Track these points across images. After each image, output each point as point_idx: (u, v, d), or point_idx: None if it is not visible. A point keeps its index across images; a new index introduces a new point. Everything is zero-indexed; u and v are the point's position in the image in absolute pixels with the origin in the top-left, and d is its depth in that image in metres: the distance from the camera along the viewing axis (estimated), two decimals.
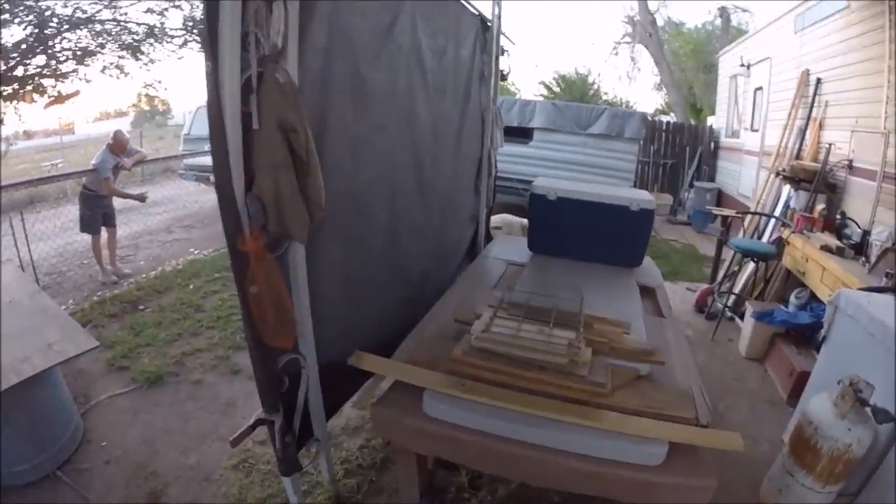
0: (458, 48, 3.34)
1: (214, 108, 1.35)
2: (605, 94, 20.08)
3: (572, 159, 7.82)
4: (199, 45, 5.93)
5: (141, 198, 6.05)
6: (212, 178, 6.04)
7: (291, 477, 2.05)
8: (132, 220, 8.06)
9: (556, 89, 19.39)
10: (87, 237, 5.93)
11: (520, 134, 7.82)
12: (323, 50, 1.80)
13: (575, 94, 18.61)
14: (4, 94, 5.22)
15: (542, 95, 19.14)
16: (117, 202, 6.11)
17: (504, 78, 4.37)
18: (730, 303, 4.91)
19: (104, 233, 5.92)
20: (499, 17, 3.92)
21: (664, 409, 1.84)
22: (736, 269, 5.14)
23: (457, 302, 2.74)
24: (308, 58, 1.67)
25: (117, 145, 5.75)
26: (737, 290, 5.04)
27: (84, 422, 3.27)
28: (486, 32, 3.84)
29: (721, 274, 5.28)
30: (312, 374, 1.83)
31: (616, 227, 3.40)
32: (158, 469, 2.88)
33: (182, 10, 5.80)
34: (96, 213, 5.74)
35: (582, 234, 3.48)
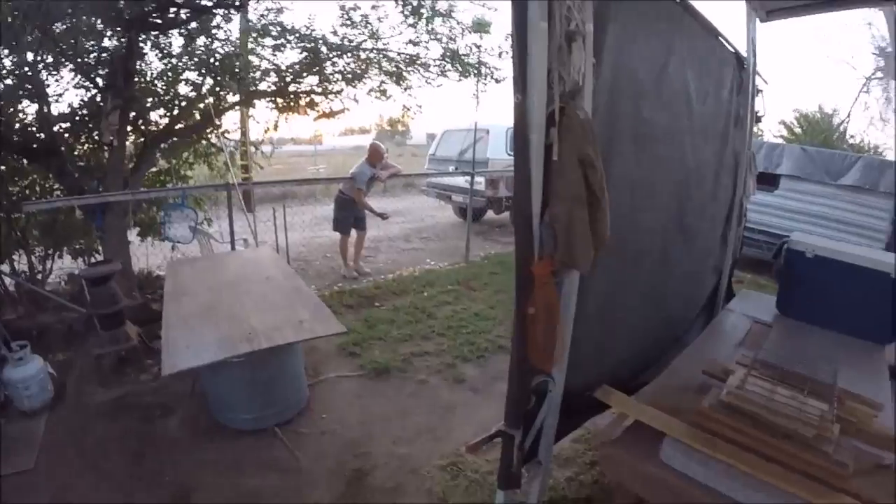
0: (719, 88, 3.20)
1: (521, 137, 1.47)
2: (852, 137, 17.42)
3: (819, 213, 6.97)
4: (458, 75, 6.45)
5: (383, 216, 6.67)
6: (453, 196, 6.56)
7: (507, 491, 2.10)
8: (373, 226, 8.96)
9: (798, 130, 17.31)
10: (334, 234, 6.79)
11: (764, 181, 7.19)
12: (608, 88, 1.86)
13: (818, 136, 16.43)
14: (280, 105, 6.19)
15: (780, 136, 17.26)
16: None
17: (759, 120, 4.07)
18: None
19: (354, 233, 6.69)
20: (755, 55, 3.67)
21: None
22: None
23: (703, 354, 2.64)
24: (597, 95, 1.74)
25: (373, 156, 6.44)
26: None
27: (310, 392, 3.71)
28: (741, 71, 3.61)
29: None
30: (556, 398, 1.87)
31: (873, 295, 2.97)
32: (370, 450, 3.14)
33: (441, 42, 6.39)
34: (349, 216, 6.55)
35: (835, 300, 3.09)
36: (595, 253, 1.51)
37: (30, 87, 4.66)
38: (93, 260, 5.25)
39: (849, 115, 17.02)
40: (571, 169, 1.43)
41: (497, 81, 6.80)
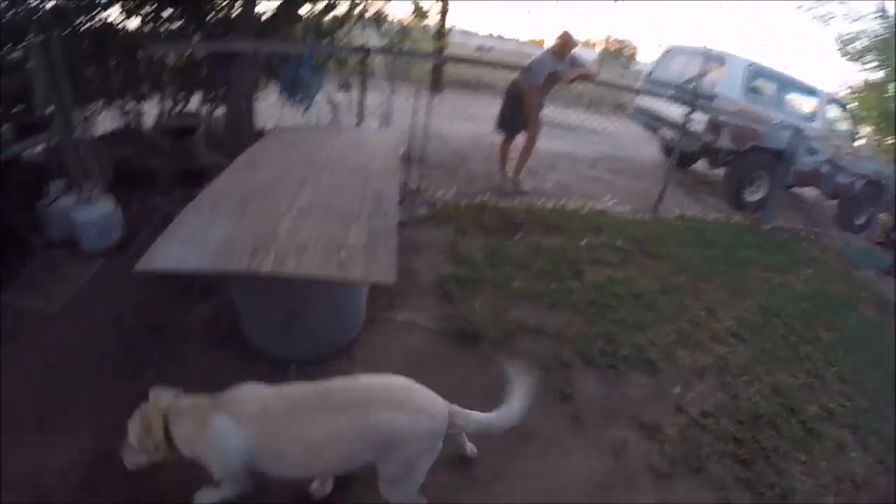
0: None
1: None
2: None
3: None
4: None
5: (533, 134, 5.16)
6: (662, 130, 4.71)
7: None
8: (561, 137, 7.27)
9: None
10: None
11: None
12: None
13: None
14: None
15: None
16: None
17: None
18: None
19: (520, 138, 5.29)
20: None
21: None
22: None
23: None
24: None
25: (561, 47, 4.95)
26: None
27: (362, 332, 2.69)
28: None
29: None
30: None
31: None
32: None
33: None
34: (517, 115, 5.11)
35: None
36: None
37: None
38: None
39: None
40: None
41: None
